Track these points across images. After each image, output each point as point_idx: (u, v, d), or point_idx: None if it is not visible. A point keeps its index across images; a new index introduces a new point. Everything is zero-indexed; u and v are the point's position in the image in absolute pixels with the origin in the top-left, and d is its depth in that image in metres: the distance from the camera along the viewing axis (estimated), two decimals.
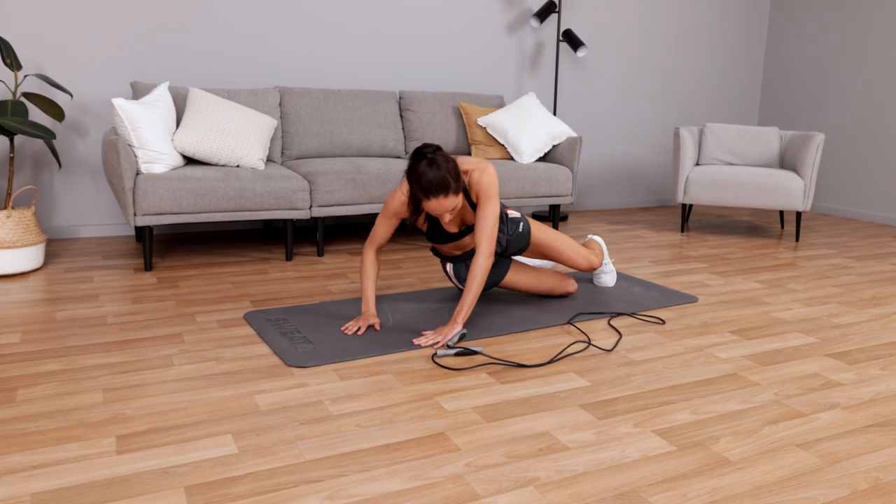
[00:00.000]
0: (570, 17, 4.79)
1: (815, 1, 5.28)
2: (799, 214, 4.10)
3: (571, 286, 2.78)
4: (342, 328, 2.37)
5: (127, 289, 2.84)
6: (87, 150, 3.68)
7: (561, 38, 4.51)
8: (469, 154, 4.14)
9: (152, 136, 3.01)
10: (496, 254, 2.67)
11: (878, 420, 1.84)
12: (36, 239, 2.97)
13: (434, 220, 2.51)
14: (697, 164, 4.40)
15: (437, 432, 1.71)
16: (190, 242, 3.72)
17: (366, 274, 2.44)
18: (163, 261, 3.30)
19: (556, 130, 3.98)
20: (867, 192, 5.01)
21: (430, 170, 2.17)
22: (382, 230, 2.45)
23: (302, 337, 2.31)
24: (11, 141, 2.96)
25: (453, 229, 2.54)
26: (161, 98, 3.17)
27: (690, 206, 4.55)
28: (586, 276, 3.18)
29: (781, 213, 4.55)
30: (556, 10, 4.43)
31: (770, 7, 5.61)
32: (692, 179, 4.13)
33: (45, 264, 3.18)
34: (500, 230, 2.65)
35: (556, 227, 4.11)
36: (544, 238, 2.74)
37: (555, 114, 4.67)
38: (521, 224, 2.67)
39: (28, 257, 2.95)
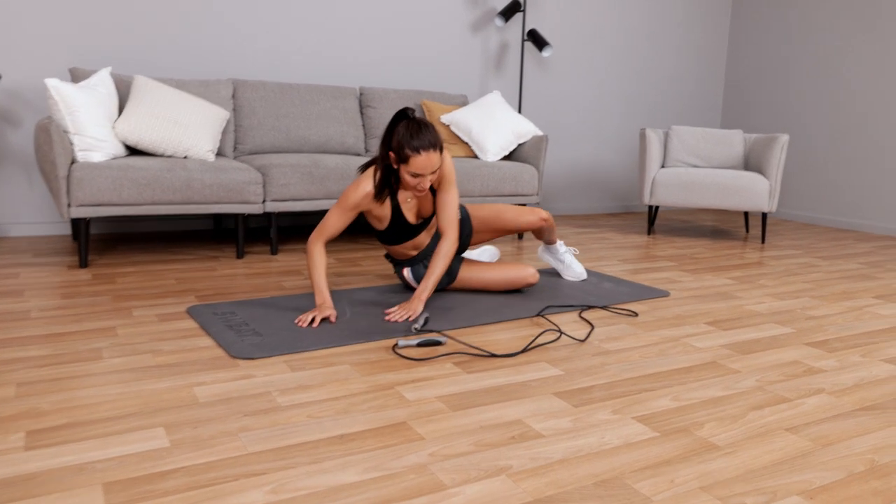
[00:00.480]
0: (536, 17, 4.72)
1: (776, 6, 5.34)
2: (765, 216, 4.07)
3: (532, 276, 2.62)
4: (296, 320, 2.19)
5: (57, 285, 2.60)
6: (20, 141, 3.43)
7: (526, 37, 4.44)
8: None
9: (90, 121, 2.79)
10: None
11: (866, 404, 1.73)
12: None
13: (396, 210, 2.36)
14: (663, 166, 4.35)
15: (399, 422, 1.54)
16: (132, 241, 3.48)
17: (316, 265, 2.26)
18: (101, 258, 3.06)
19: (522, 129, 3.88)
20: (828, 197, 5.04)
21: (420, 125, 2.17)
22: (336, 222, 2.29)
23: (250, 329, 2.12)
24: None
25: (412, 219, 2.41)
26: (101, 83, 2.96)
27: (656, 209, 4.49)
28: (552, 270, 3.05)
29: (746, 216, 4.53)
30: (521, 9, 4.35)
31: (731, 12, 5.67)
32: (658, 181, 4.07)
33: None
34: None
35: (521, 235, 3.97)
36: (484, 213, 2.65)
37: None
38: (459, 212, 2.60)
39: None
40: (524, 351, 2.02)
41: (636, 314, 2.46)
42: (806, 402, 1.74)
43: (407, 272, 2.51)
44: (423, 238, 2.49)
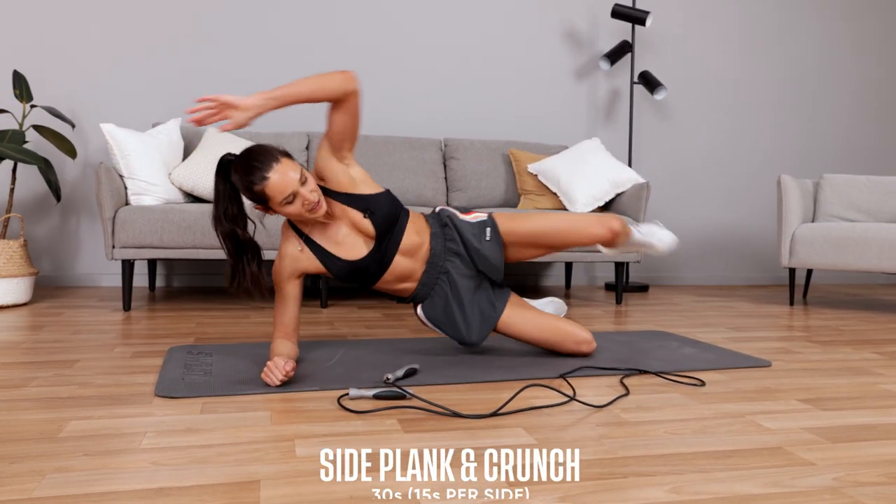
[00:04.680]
0: (648, 58, 4.22)
1: None
2: None
3: (586, 343, 2.02)
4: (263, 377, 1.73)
5: (82, 322, 2.56)
6: None
7: (636, 80, 3.95)
8: (516, 207, 3.60)
9: (143, 166, 2.83)
10: (484, 281, 2.01)
11: None
12: (20, 271, 2.83)
13: (324, 254, 1.89)
14: (814, 222, 3.52)
15: (248, 480, 1.14)
16: (202, 292, 3.45)
17: (277, 345, 1.88)
18: (155, 304, 3.03)
19: (621, 177, 3.36)
20: None
21: (247, 153, 1.74)
22: (290, 310, 1.89)
23: (205, 370, 1.85)
24: (14, 173, 2.93)
25: (360, 251, 1.90)
26: (165, 131, 3.03)
27: (809, 275, 3.62)
28: (611, 336, 2.44)
29: None
30: (630, 49, 3.91)
31: None
32: (800, 237, 3.26)
33: (33, 301, 3.03)
34: (452, 239, 1.97)
35: (619, 297, 3.36)
36: (528, 226, 1.97)
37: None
38: (489, 230, 1.97)
39: (7, 290, 2.79)
40: (496, 414, 1.51)
41: (703, 383, 1.81)
42: None
43: (420, 311, 2.06)
44: (403, 262, 1.93)
